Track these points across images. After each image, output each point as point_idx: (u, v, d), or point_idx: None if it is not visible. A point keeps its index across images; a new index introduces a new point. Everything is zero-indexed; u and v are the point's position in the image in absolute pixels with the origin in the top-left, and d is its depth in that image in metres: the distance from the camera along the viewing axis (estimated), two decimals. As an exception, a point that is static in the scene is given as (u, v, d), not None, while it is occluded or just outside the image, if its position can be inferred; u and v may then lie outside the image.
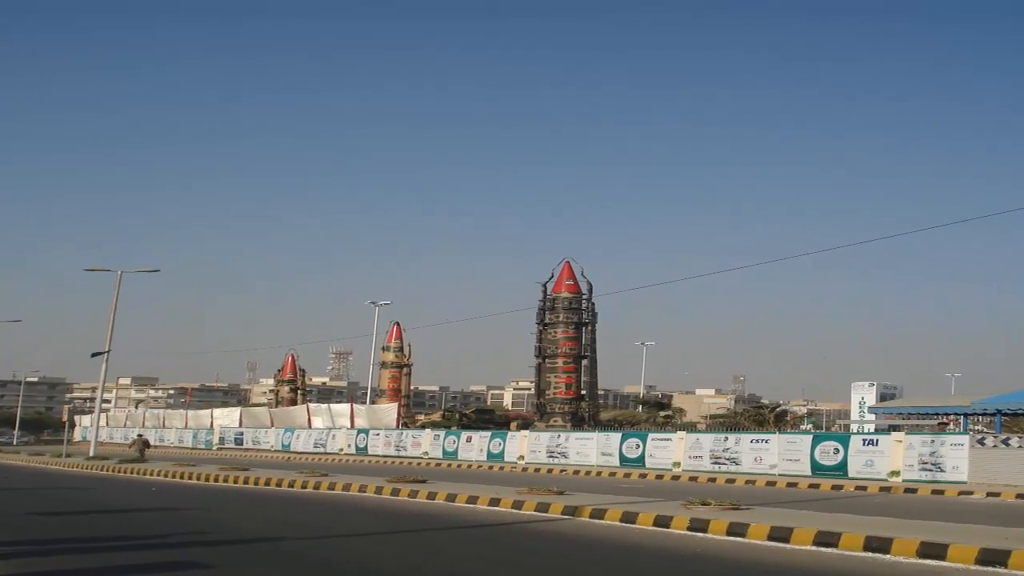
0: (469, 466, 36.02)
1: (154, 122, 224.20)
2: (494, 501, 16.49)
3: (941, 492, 21.96)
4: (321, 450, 47.14)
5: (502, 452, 36.27)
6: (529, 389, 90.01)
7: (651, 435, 32.29)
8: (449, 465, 36.69)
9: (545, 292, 49.82)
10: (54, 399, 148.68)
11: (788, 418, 75.01)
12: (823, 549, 10.97)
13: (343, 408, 56.28)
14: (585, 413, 49.30)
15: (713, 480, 26.56)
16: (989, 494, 20.91)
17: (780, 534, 11.65)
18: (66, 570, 9.55)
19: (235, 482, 24.44)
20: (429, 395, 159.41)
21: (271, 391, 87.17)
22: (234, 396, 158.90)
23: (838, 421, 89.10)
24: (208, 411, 70.62)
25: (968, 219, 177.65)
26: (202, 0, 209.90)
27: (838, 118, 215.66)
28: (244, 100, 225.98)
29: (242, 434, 57.41)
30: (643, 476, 28.89)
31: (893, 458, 24.22)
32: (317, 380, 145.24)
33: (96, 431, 45.32)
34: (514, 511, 15.66)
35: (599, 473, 30.55)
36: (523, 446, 35.57)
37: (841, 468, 25.12)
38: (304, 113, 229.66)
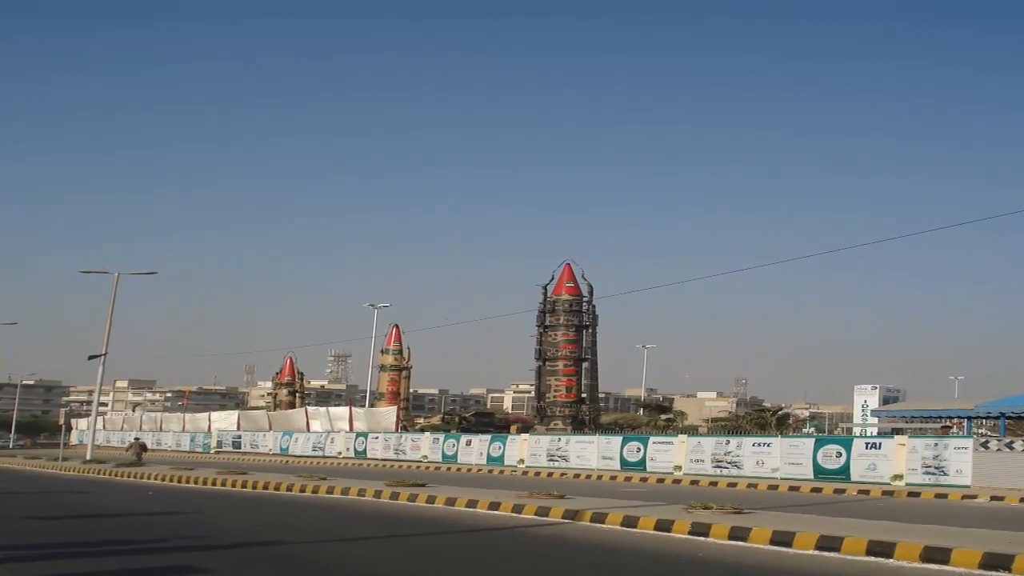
0: (469, 470, 35.92)
1: (153, 122, 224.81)
2: (494, 505, 16.41)
3: (944, 496, 21.87)
4: (320, 454, 47.04)
5: (502, 456, 36.17)
6: (529, 392, 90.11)
7: (652, 438, 32.22)
8: (449, 469, 36.59)
9: (545, 294, 49.78)
10: (50, 402, 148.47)
11: (790, 421, 74.93)
12: (825, 553, 10.89)
13: (342, 411, 56.21)
14: (586, 416, 49.24)
15: (715, 484, 26.46)
16: (993, 498, 20.81)
17: (782, 538, 11.58)
18: (65, 575, 9.46)
19: (233, 486, 24.32)
20: (428, 398, 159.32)
21: (269, 394, 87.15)
22: (232, 399, 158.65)
23: (841, 424, 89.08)
24: (206, 414, 70.50)
25: (972, 220, 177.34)
26: (202, 0, 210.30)
27: (838, 118, 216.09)
28: (244, 100, 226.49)
29: (240, 437, 57.30)
30: (644, 480, 28.78)
31: (896, 462, 24.14)
32: (316, 383, 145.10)
33: (93, 434, 45.15)
34: (514, 515, 15.58)
35: (600, 477, 30.46)
36: (523, 450, 35.47)
37: (844, 472, 25.03)
38: (304, 113, 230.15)
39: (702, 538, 12.29)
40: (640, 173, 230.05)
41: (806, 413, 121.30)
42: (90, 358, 41.48)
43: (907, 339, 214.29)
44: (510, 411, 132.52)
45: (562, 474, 31.82)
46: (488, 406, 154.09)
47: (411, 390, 71.86)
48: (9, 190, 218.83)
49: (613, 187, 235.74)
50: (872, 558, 10.48)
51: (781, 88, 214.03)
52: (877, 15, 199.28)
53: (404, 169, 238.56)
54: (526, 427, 52.30)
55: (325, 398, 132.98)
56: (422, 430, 51.75)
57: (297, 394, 75.59)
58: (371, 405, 61.91)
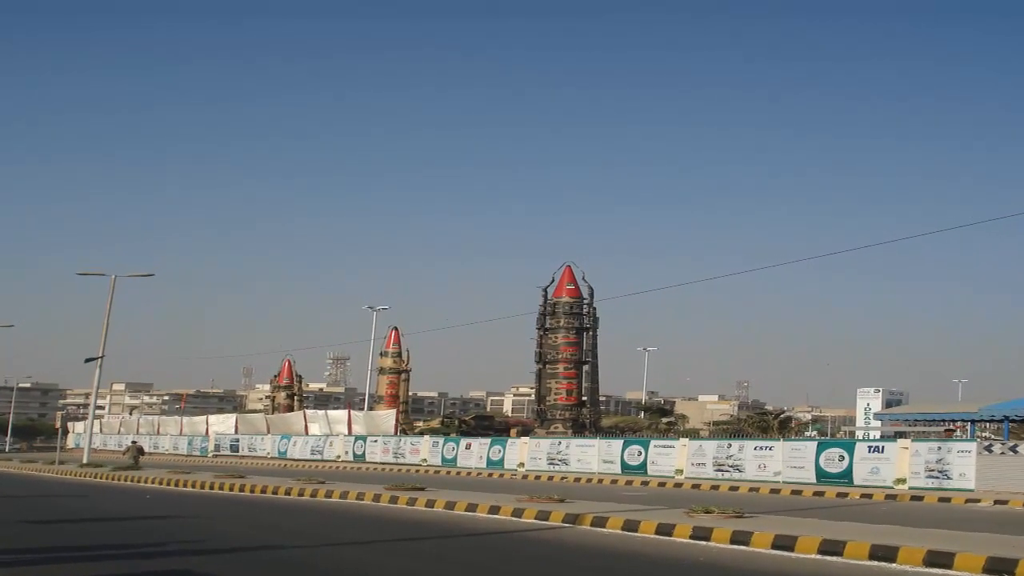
0: (468, 473, 35.81)
1: (151, 123, 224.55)
2: (494, 509, 16.33)
3: (948, 500, 21.80)
4: (318, 457, 46.92)
5: (502, 459, 36.06)
6: (529, 395, 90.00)
7: (653, 442, 32.10)
8: (448, 472, 36.49)
9: (546, 297, 49.70)
10: (47, 405, 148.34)
11: (792, 425, 74.61)
12: (828, 558, 10.85)
13: (340, 414, 56.09)
14: (586, 419, 49.12)
15: (716, 488, 26.36)
16: (996, 502, 20.77)
17: (784, 542, 11.53)
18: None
19: (231, 490, 24.25)
20: (428, 401, 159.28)
21: (267, 397, 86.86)
22: (230, 402, 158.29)
23: (843, 428, 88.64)
24: (203, 418, 70.35)
25: (976, 222, 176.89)
26: (202, 0, 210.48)
27: (838, 118, 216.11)
28: (244, 100, 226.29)
29: (238, 441, 57.18)
30: (645, 484, 28.68)
31: (899, 465, 24.06)
32: (314, 386, 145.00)
33: (89, 438, 45.13)
34: (514, 519, 15.51)
35: (600, 481, 30.36)
36: (523, 453, 35.36)
37: (846, 475, 24.94)
38: (304, 113, 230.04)
39: (703, 542, 12.23)
40: (640, 173, 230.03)
41: (808, 416, 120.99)
42: (87, 361, 41.43)
43: (910, 341, 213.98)
44: (510, 414, 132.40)
45: (563, 478, 31.70)
46: (488, 409, 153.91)
47: (410, 393, 71.61)
48: (8, 190, 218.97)
49: (613, 188, 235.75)
50: (875, 562, 10.44)
51: (781, 88, 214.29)
52: (877, 15, 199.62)
53: (404, 169, 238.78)
54: (526, 430, 52.18)
55: (324, 401, 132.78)
56: (421, 433, 51.65)
57: (295, 397, 75.39)
58: (370, 408, 61.76)
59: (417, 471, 37.16)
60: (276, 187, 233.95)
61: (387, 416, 53.25)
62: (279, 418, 63.16)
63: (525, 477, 32.99)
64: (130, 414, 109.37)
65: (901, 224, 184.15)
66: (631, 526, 13.61)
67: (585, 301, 49.62)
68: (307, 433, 53.34)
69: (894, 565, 10.26)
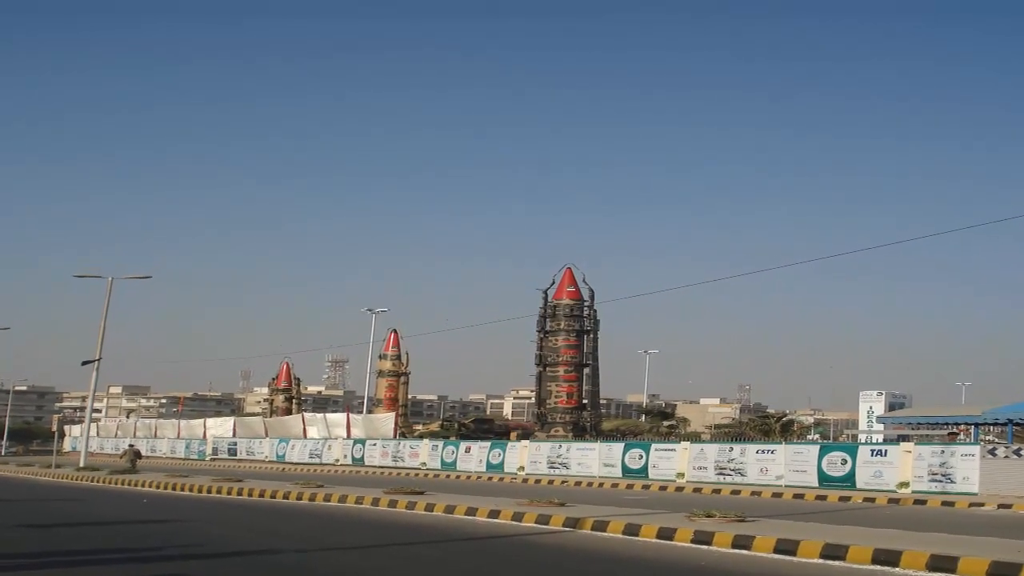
0: (468, 477, 35.70)
1: (151, 123, 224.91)
2: (494, 513, 16.23)
3: (951, 504, 21.69)
4: (316, 461, 46.82)
5: (502, 463, 35.95)
6: (529, 398, 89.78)
7: (654, 445, 31.97)
8: (447, 476, 36.37)
9: (546, 299, 49.61)
10: (43, 408, 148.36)
11: (794, 428, 74.54)
12: (830, 562, 10.77)
13: (339, 418, 56.04)
14: (587, 423, 49.02)
15: (718, 491, 26.27)
16: (1000, 506, 20.64)
17: (786, 547, 11.46)
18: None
19: (229, 493, 24.18)
20: (427, 404, 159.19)
21: (265, 400, 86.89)
22: (227, 405, 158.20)
23: (846, 431, 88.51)
24: (201, 421, 70.36)
25: (979, 224, 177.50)
26: (202, 0, 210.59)
27: (838, 118, 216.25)
28: (243, 100, 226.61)
29: (236, 444, 57.08)
30: (646, 487, 28.57)
31: (902, 469, 23.92)
32: (312, 389, 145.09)
33: (86, 441, 44.97)
34: (514, 523, 15.43)
35: (601, 484, 30.24)
36: (523, 457, 35.26)
37: (849, 479, 24.83)
38: (304, 113, 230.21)
39: (705, 547, 12.15)
40: (640, 174, 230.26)
41: (811, 419, 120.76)
42: (84, 364, 41.22)
43: (913, 344, 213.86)
44: (510, 417, 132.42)
45: (563, 481, 31.60)
46: (488, 412, 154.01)
47: (409, 396, 71.51)
48: (8, 190, 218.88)
49: (614, 189, 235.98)
50: (878, 567, 10.36)
51: (781, 88, 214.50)
52: (877, 15, 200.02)
53: (404, 169, 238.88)
54: (526, 434, 52.10)
55: (322, 404, 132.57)
56: (421, 437, 51.49)
57: (294, 400, 75.35)
58: (369, 411, 61.69)
59: (416, 475, 37.04)
60: (276, 187, 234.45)
61: (386, 419, 53.17)
62: (277, 421, 63.10)
63: (525, 481, 32.88)
64: (127, 417, 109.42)
65: (902, 225, 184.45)
66: (632, 530, 13.52)
67: (586, 303, 49.54)
68: (305, 436, 53.26)
69: (897, 569, 10.19)
